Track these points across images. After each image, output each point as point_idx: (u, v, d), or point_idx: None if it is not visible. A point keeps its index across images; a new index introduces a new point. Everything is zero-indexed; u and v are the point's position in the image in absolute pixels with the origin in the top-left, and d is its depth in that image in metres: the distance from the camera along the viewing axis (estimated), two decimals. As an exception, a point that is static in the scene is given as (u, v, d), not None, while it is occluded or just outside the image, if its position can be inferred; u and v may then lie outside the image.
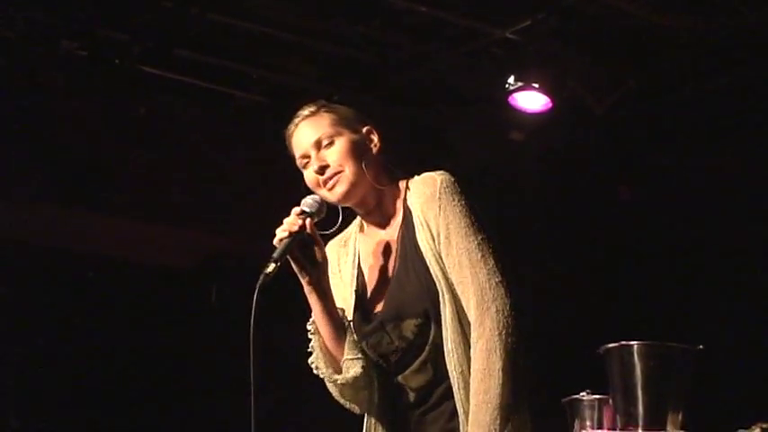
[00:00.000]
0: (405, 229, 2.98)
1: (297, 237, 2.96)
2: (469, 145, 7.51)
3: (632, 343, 3.68)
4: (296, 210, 3.02)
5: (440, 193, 2.90)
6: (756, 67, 6.72)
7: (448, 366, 2.88)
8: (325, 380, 3.06)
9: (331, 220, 3.11)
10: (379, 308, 3.01)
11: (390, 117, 7.44)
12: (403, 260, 2.96)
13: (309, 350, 3.07)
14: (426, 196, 2.92)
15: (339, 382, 3.02)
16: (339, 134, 3.02)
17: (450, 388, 2.91)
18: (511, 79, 6.60)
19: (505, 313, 2.82)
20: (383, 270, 3.03)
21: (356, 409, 3.09)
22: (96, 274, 7.71)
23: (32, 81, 6.72)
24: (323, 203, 3.03)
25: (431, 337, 2.92)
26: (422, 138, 7.40)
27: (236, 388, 8.08)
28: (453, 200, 2.90)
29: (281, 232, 2.96)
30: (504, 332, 2.80)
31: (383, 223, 3.06)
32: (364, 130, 3.05)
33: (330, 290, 3.04)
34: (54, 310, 7.40)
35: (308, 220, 2.98)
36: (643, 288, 7.60)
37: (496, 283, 2.85)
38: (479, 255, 2.86)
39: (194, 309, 7.89)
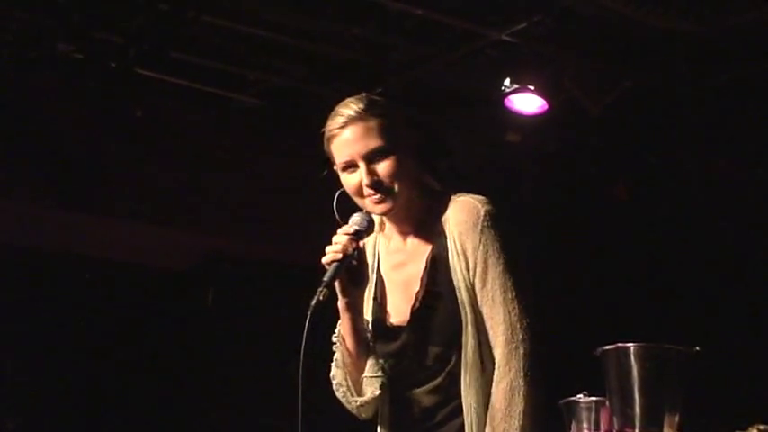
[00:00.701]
0: (437, 250, 2.92)
1: (348, 258, 2.88)
2: (466, 147, 7.52)
3: (629, 345, 3.68)
4: (347, 229, 2.92)
5: (482, 226, 2.86)
6: (751, 68, 6.73)
7: (463, 400, 2.85)
8: (343, 400, 3.03)
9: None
10: (398, 323, 2.97)
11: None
12: (432, 282, 2.92)
13: (333, 362, 3.03)
14: (467, 225, 2.87)
15: (359, 404, 2.99)
16: (391, 150, 2.92)
17: (456, 408, 2.89)
18: (507, 81, 6.61)
19: (532, 356, 2.82)
20: (406, 284, 2.98)
21: (361, 415, 3.05)
22: (93, 276, 7.72)
23: (29, 83, 6.72)
24: (372, 221, 2.95)
25: (449, 365, 2.90)
26: (418, 140, 7.40)
27: (231, 389, 8.12)
28: (495, 234, 2.85)
29: (334, 253, 2.87)
30: (528, 374, 2.80)
31: (410, 231, 3.01)
32: (409, 137, 2.99)
33: (363, 308, 2.98)
34: (51, 311, 7.40)
35: (361, 242, 2.92)
36: (640, 289, 7.61)
37: (527, 325, 2.83)
38: (514, 293, 2.83)
39: (191, 311, 7.89)
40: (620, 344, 3.69)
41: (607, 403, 3.81)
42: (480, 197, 2.92)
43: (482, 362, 2.85)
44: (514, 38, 6.52)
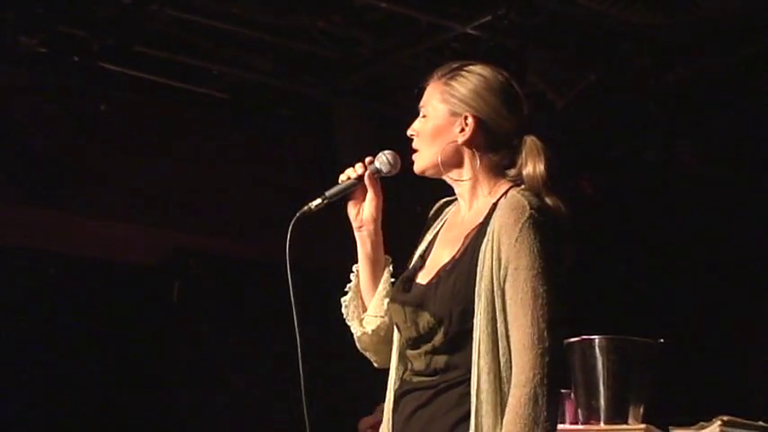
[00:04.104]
0: (477, 232, 2.94)
1: (353, 184, 3.06)
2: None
3: (593, 337, 3.70)
4: (368, 159, 3.09)
5: (521, 227, 2.85)
6: (715, 62, 6.77)
7: (472, 388, 2.85)
8: (347, 321, 3.13)
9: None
10: (419, 281, 3.01)
11: (352, 112, 7.45)
12: (460, 257, 2.94)
13: (346, 290, 3.14)
14: (509, 220, 2.87)
15: (356, 333, 3.10)
16: (433, 112, 3.03)
17: (437, 384, 2.91)
18: (471, 75, 6.60)
19: (556, 366, 2.82)
20: (443, 253, 3.02)
21: (373, 360, 3.13)
22: (58, 272, 7.68)
23: (-9, 78, 6.69)
24: (396, 165, 3.09)
25: (435, 339, 2.91)
26: (384, 133, 7.40)
27: (195, 382, 8.09)
28: (533, 237, 2.84)
29: (344, 175, 3.07)
30: (551, 384, 2.80)
31: (468, 209, 3.05)
32: (464, 116, 3.01)
33: (378, 241, 3.11)
34: (15, 308, 7.36)
35: (367, 172, 3.06)
36: (604, 282, 7.64)
37: (555, 334, 2.83)
38: (545, 300, 2.82)
39: (156, 305, 7.87)
40: (584, 336, 3.71)
41: (572, 395, 3.84)
42: (534, 199, 2.93)
43: (495, 356, 2.86)
44: (479, 31, 6.53)
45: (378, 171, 3.08)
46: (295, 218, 3.01)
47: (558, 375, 2.84)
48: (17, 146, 6.80)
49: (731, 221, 7.39)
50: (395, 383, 3.01)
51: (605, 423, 3.65)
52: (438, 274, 2.96)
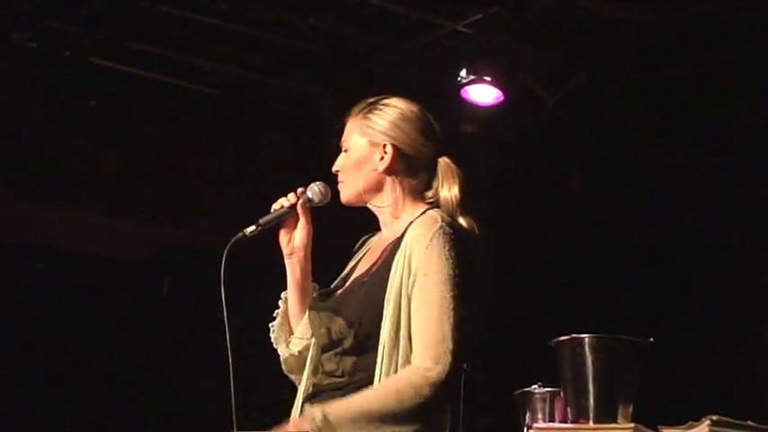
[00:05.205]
0: (393, 245, 3.06)
1: (287, 212, 3.22)
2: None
3: (583, 336, 3.70)
4: (300, 189, 3.24)
5: (432, 236, 2.97)
6: (705, 60, 6.77)
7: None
8: (275, 345, 3.29)
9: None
10: (337, 294, 3.15)
11: (342, 109, 7.44)
12: (376, 269, 3.06)
13: (274, 315, 3.30)
14: (421, 231, 3.00)
15: (282, 355, 3.26)
16: (354, 145, 3.19)
17: (344, 386, 2.99)
18: (463, 72, 6.61)
19: (450, 367, 2.88)
20: (364, 266, 3.16)
21: (297, 382, 3.22)
22: (46, 267, 7.67)
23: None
24: (327, 195, 3.24)
25: (345, 342, 3.00)
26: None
27: (184, 378, 8.08)
28: (444, 248, 2.96)
29: (277, 204, 3.23)
30: (438, 382, 2.86)
31: (389, 230, 3.19)
32: (383, 145, 3.17)
33: (308, 268, 3.26)
34: (2, 303, 7.35)
35: (299, 201, 3.22)
36: (594, 280, 7.65)
37: (457, 338, 2.90)
38: (452, 305, 2.92)
39: (145, 301, 7.87)
40: (574, 335, 3.71)
41: (561, 394, 3.84)
42: (445, 215, 3.06)
43: (397, 360, 2.92)
44: (470, 29, 6.53)
45: (309, 201, 3.23)
46: (230, 244, 3.23)
47: (451, 381, 2.90)
48: (7, 141, 6.80)
49: (721, 220, 7.40)
50: (305, 390, 3.13)
51: (594, 422, 3.66)
52: (354, 282, 3.10)
